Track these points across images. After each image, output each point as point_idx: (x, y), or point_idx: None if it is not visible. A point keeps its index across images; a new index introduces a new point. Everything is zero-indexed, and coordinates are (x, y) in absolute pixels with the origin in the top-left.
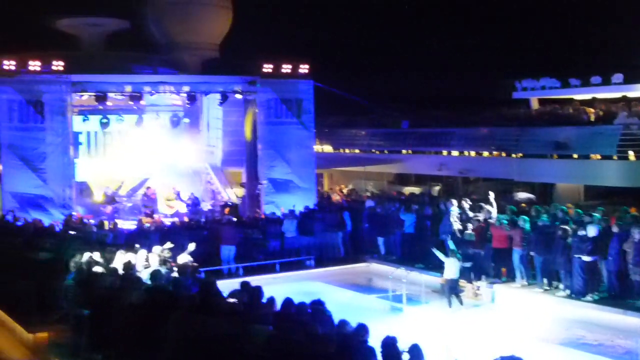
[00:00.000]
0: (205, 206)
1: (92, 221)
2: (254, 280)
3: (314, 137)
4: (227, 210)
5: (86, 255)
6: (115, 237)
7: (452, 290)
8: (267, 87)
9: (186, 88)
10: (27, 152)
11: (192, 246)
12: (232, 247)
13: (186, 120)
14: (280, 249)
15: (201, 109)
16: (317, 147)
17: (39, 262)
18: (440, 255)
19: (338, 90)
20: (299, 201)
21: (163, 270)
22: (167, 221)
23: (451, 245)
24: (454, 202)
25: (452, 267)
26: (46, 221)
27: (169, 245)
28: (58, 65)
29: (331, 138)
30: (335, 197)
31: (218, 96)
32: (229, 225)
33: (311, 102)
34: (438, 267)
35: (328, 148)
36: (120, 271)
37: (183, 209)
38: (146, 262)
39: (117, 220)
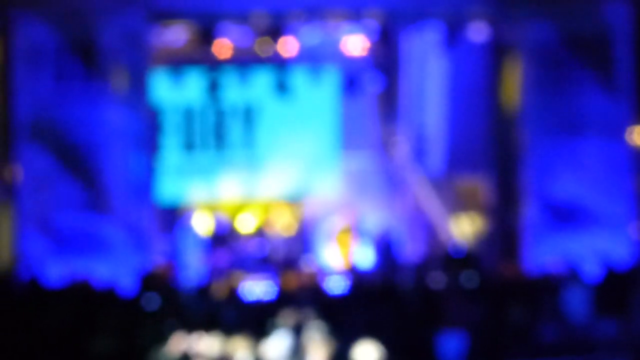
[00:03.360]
0: (409, 254)
1: (192, 280)
2: None
3: (634, 115)
4: (453, 264)
5: (180, 343)
6: (238, 310)
7: None
8: (539, 15)
9: (374, 16)
10: (68, 144)
11: None
12: (461, 335)
13: (373, 84)
14: (562, 340)
15: (403, 62)
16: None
17: (93, 357)
18: None
19: None
20: (605, 245)
21: None
22: (337, 283)
23: None
24: None
25: None
26: (105, 278)
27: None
28: None
29: None
30: None
31: (437, 34)
32: (457, 294)
33: (631, 45)
34: None
35: None
36: None
37: (367, 257)
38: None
39: (236, 276)
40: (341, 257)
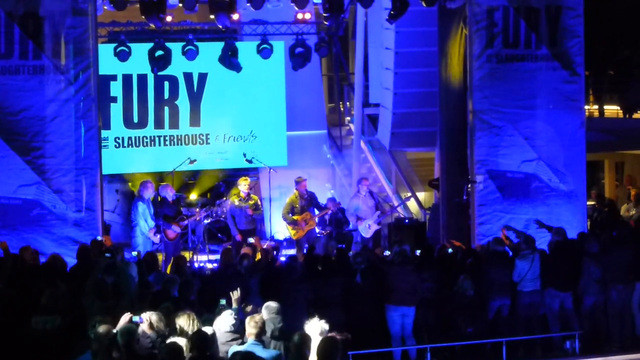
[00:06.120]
0: (359, 227)
1: (135, 253)
2: None
3: (583, 88)
4: (402, 236)
5: (123, 320)
6: (185, 284)
7: None
8: None
9: None
10: (10, 117)
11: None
12: (409, 308)
13: (322, 53)
14: (509, 315)
15: (353, 31)
16: (591, 110)
17: (33, 335)
18: None
19: None
20: (553, 217)
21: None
22: (287, 255)
23: None
24: None
25: None
26: (47, 252)
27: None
28: None
29: (622, 91)
30: (629, 212)
31: (387, 4)
32: (404, 265)
33: (580, 16)
34: None
35: (613, 110)
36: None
37: (318, 230)
38: (233, 332)
39: (184, 250)
40: (293, 229)
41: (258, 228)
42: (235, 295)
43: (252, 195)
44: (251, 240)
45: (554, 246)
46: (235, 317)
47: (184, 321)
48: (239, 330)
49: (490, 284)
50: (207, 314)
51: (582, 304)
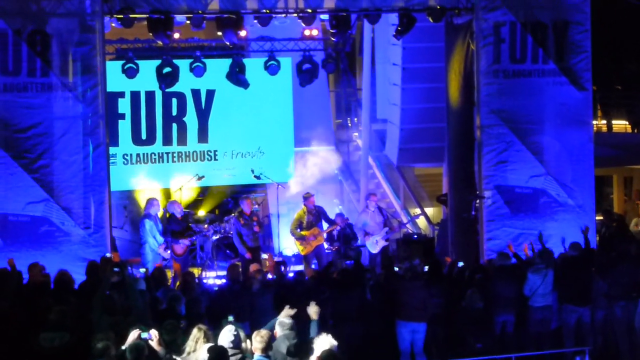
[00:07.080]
0: (368, 240)
1: (144, 270)
2: None
3: (591, 103)
4: (410, 252)
5: (132, 336)
6: (193, 300)
7: None
8: (497, 1)
9: (329, 4)
10: (18, 135)
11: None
12: (419, 324)
13: (329, 69)
14: (513, 330)
15: (360, 47)
16: (599, 125)
17: (41, 352)
18: None
19: None
20: (562, 233)
21: None
22: (296, 271)
23: None
24: None
25: None
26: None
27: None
28: None
29: (630, 105)
30: (638, 227)
31: (393, 20)
32: (414, 281)
33: (587, 31)
34: None
35: (621, 125)
36: None
37: (327, 247)
38: (232, 348)
39: (192, 266)
40: (301, 245)
41: (265, 245)
42: (290, 312)
43: (254, 212)
44: (265, 256)
45: (566, 260)
46: (235, 333)
47: (192, 335)
48: (238, 345)
49: (495, 299)
50: (216, 330)
51: (594, 319)
